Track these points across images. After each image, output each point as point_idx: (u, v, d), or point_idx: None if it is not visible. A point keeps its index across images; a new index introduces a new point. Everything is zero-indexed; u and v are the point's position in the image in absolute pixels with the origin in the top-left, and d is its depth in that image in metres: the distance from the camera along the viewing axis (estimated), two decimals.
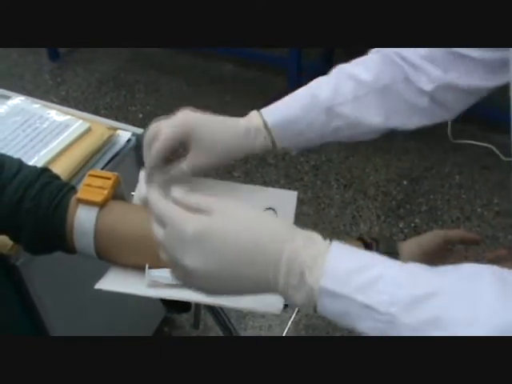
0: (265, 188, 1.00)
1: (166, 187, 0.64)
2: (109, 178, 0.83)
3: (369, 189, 2.49)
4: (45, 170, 0.83)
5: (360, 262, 0.57)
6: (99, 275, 0.81)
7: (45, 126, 1.25)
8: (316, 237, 0.59)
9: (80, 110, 1.37)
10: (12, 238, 0.84)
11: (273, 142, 0.87)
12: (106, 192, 0.81)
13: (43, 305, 1.18)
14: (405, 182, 2.51)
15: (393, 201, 2.43)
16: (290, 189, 1.05)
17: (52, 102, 1.41)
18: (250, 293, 0.60)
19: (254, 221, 0.60)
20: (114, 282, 0.80)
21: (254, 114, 0.87)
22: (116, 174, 0.84)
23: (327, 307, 0.56)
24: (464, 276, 0.55)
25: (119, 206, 0.82)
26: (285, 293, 0.57)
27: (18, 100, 1.35)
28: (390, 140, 2.68)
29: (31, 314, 1.16)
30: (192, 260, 0.57)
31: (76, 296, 1.27)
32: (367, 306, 0.54)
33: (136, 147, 1.28)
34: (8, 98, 1.36)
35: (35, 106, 1.33)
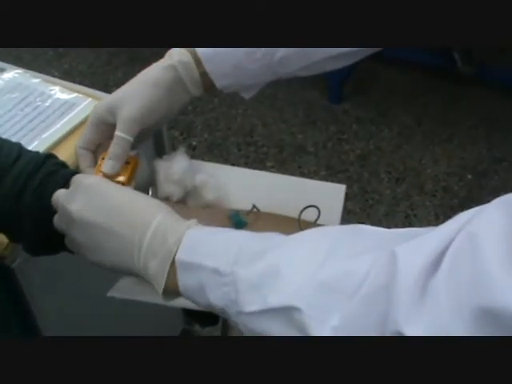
0: (306, 180, 0.99)
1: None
2: (127, 162, 0.84)
3: (426, 183, 2.47)
4: (49, 157, 0.83)
5: (212, 232, 0.69)
6: (106, 280, 0.82)
7: (47, 104, 1.26)
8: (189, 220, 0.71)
9: (86, 85, 1.37)
10: (10, 238, 0.85)
11: (208, 80, 0.87)
12: (124, 179, 0.82)
13: (42, 313, 1.18)
14: (469, 176, 2.48)
15: (454, 198, 2.40)
16: (332, 182, 1.04)
17: (53, 76, 1.41)
18: (117, 254, 0.71)
19: (136, 192, 0.76)
20: (129, 288, 0.81)
21: (177, 51, 0.87)
22: (135, 155, 0.85)
23: (185, 282, 0.67)
24: (312, 230, 0.66)
25: None
26: (144, 258, 0.68)
27: (14, 73, 1.34)
28: (452, 126, 2.65)
29: (27, 321, 1.17)
30: (76, 205, 0.73)
31: (78, 304, 1.27)
32: (214, 271, 0.64)
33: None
34: (2, 70, 1.35)
35: (35, 80, 1.33)
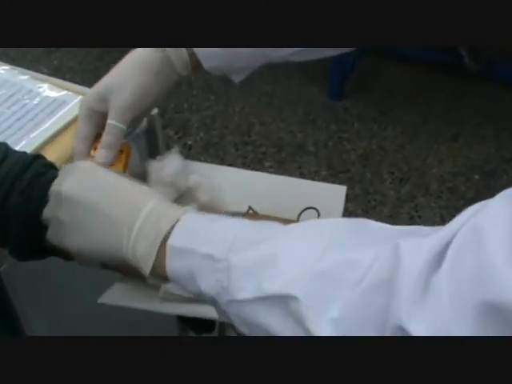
0: (305, 181, 1.00)
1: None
2: (121, 151, 0.86)
3: (431, 184, 2.47)
4: (37, 158, 0.83)
5: (209, 218, 0.69)
6: (95, 286, 0.81)
7: (35, 102, 1.25)
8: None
9: (77, 83, 1.37)
10: None
11: (196, 60, 0.88)
12: (119, 168, 0.85)
13: (29, 319, 1.18)
14: (477, 177, 2.48)
15: (461, 199, 2.40)
16: (333, 182, 1.04)
17: (42, 72, 1.41)
18: (105, 236, 0.71)
19: (131, 178, 0.76)
20: (121, 295, 0.81)
21: None
22: (127, 143, 0.87)
23: (175, 266, 0.67)
24: (313, 220, 0.66)
25: None
26: (134, 240, 0.68)
27: (0, 69, 1.34)
28: (458, 124, 2.65)
29: (13, 326, 1.17)
30: (67, 184, 0.73)
31: (66, 311, 1.27)
32: (208, 256, 0.64)
33: (147, 130, 1.28)
34: None
35: (23, 77, 1.32)
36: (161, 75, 0.87)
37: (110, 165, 0.84)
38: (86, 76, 2.91)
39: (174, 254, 0.67)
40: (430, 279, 0.50)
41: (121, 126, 0.85)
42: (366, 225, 0.62)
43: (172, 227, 0.68)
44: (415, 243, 0.53)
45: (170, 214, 0.69)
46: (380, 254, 0.55)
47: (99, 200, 0.72)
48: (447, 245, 0.51)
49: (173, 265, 0.67)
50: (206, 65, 0.89)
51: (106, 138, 0.85)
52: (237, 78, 0.95)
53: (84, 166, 0.77)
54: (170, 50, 0.87)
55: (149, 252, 0.68)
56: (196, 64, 0.89)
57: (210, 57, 0.88)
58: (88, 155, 0.87)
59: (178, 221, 0.68)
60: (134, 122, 0.88)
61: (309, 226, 0.65)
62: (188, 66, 0.89)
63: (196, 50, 0.87)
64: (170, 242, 0.67)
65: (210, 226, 0.68)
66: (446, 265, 0.50)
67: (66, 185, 0.74)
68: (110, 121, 0.84)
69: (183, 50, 0.87)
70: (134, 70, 0.87)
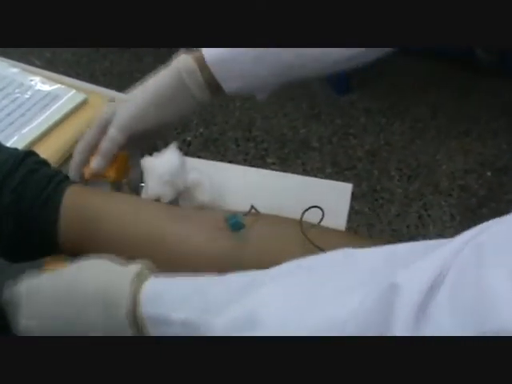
0: (309, 179, 0.99)
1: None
2: (115, 160, 0.90)
3: (441, 181, 2.47)
4: (29, 154, 0.83)
5: (176, 282, 0.67)
6: None
7: (27, 96, 1.25)
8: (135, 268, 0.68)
9: (71, 76, 1.37)
10: None
11: (215, 85, 0.91)
12: (111, 174, 0.90)
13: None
14: (489, 174, 2.48)
15: (472, 197, 2.40)
16: (338, 179, 1.04)
17: (34, 65, 1.41)
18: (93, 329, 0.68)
19: (76, 271, 0.71)
20: None
21: (184, 57, 0.91)
22: (124, 152, 0.91)
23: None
24: (291, 264, 0.62)
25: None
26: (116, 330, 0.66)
27: None
28: (469, 118, 2.65)
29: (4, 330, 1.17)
30: (26, 322, 0.71)
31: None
32: (184, 323, 0.61)
33: None
34: None
35: (13, 70, 1.32)
36: (174, 99, 0.90)
37: (105, 171, 0.90)
38: (80, 69, 2.91)
39: (151, 325, 0.65)
40: (426, 309, 0.47)
41: (118, 135, 0.88)
42: (352, 257, 0.60)
43: (135, 303, 0.65)
44: (409, 277, 0.50)
45: (123, 289, 0.66)
46: (368, 296, 0.52)
47: (60, 317, 0.70)
48: (443, 275, 0.47)
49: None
50: (225, 86, 0.91)
51: (101, 145, 0.88)
52: (260, 97, 0.97)
53: (22, 289, 0.73)
54: (186, 76, 0.89)
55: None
56: (215, 87, 0.91)
57: (230, 79, 0.90)
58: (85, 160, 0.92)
59: (138, 292, 0.66)
60: (140, 139, 0.92)
61: (287, 273, 0.62)
62: (203, 88, 0.90)
63: (216, 75, 0.89)
64: (144, 313, 0.65)
65: (175, 289, 0.66)
66: (444, 292, 0.47)
67: (23, 323, 0.71)
68: (109, 130, 0.88)
69: (198, 72, 0.89)
70: (145, 92, 0.90)
